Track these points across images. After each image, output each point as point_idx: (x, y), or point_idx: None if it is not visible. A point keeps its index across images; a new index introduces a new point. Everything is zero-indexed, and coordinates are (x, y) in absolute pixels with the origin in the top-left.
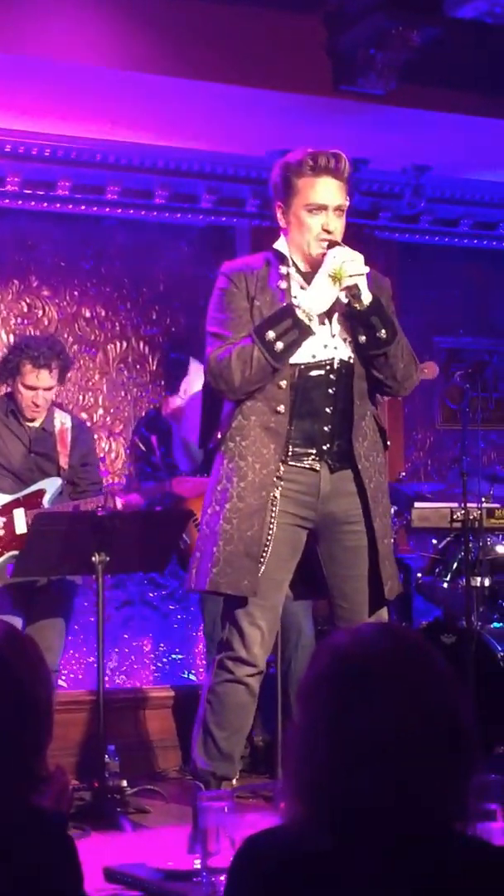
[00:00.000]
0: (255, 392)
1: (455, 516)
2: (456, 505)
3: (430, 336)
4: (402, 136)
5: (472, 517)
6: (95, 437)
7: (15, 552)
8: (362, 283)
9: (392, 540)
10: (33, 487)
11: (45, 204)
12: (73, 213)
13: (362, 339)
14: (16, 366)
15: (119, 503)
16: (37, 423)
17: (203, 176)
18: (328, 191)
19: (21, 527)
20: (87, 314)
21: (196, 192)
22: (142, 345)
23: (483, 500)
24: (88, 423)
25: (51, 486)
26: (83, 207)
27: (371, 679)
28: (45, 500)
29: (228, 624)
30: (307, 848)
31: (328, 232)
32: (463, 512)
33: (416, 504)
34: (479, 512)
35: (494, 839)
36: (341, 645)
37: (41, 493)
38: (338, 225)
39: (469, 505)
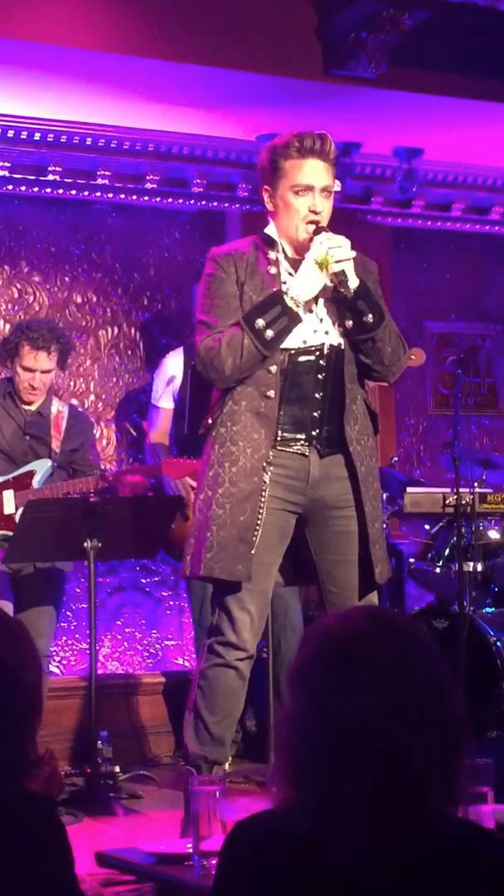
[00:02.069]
0: (244, 378)
1: (447, 501)
2: (448, 490)
3: (421, 321)
4: (394, 119)
5: (464, 502)
6: None
7: (3, 532)
8: (349, 269)
9: (384, 525)
10: (23, 469)
11: (36, 189)
12: (63, 198)
13: (349, 323)
14: (15, 347)
15: (123, 484)
16: (34, 407)
17: (193, 160)
18: (315, 172)
19: (9, 507)
20: (79, 300)
21: (186, 176)
22: (133, 330)
23: (475, 485)
24: (80, 410)
25: (41, 467)
26: (74, 192)
27: (359, 662)
28: (35, 482)
29: (218, 609)
30: (297, 831)
31: (315, 213)
32: (455, 497)
33: (409, 489)
34: (471, 497)
35: (485, 822)
36: (330, 628)
37: (31, 474)
38: (325, 206)
39: (461, 490)
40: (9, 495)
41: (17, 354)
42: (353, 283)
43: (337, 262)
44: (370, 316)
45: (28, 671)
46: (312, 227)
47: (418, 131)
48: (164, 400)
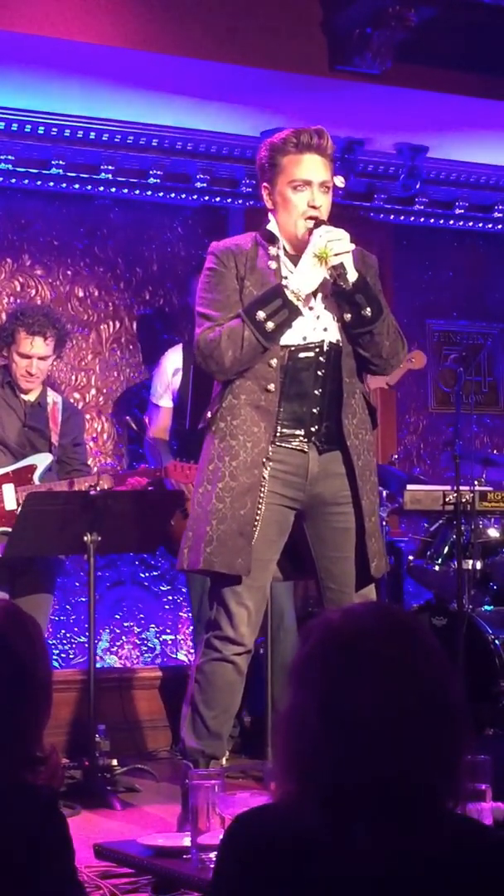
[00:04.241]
0: (244, 371)
1: (447, 499)
2: (448, 488)
3: (423, 318)
4: (398, 116)
5: (464, 500)
6: (87, 417)
7: (3, 528)
8: (348, 262)
9: (384, 521)
10: (24, 462)
11: (39, 182)
12: (66, 192)
13: (348, 317)
14: (10, 333)
15: (126, 485)
16: (31, 397)
17: (197, 156)
18: (312, 167)
19: (10, 503)
20: (81, 294)
21: (190, 171)
22: (135, 325)
23: (476, 483)
24: (81, 404)
25: (42, 461)
26: (77, 186)
27: (362, 656)
28: (36, 476)
29: (216, 603)
30: (297, 826)
31: (314, 207)
32: (455, 495)
33: (409, 486)
34: (471, 495)
35: (484, 819)
36: (333, 623)
37: (32, 468)
38: (324, 201)
39: (462, 488)
40: (9, 489)
41: (13, 341)
42: (352, 276)
43: (336, 254)
44: (368, 309)
45: (41, 668)
46: (311, 222)
47: (422, 129)
48: (164, 398)
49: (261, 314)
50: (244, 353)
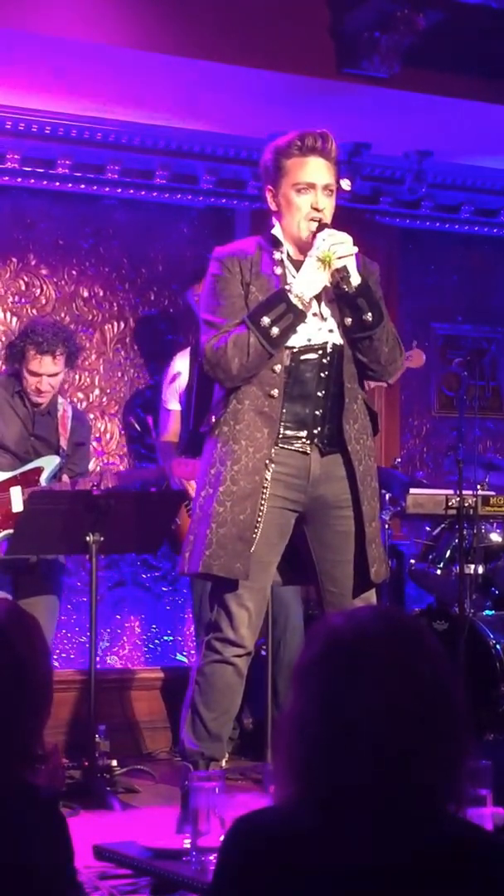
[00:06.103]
0: (251, 377)
1: (450, 503)
2: (451, 492)
3: (428, 322)
4: (405, 120)
5: (466, 504)
6: (91, 417)
7: (11, 531)
8: (351, 265)
9: (386, 525)
10: (31, 465)
11: (45, 182)
12: (72, 192)
13: (348, 321)
14: (21, 350)
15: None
16: (41, 406)
17: (203, 157)
18: (316, 170)
19: (18, 505)
20: (85, 294)
21: (196, 173)
22: (139, 326)
23: (478, 487)
24: (84, 404)
25: (49, 463)
26: (83, 186)
27: (364, 659)
28: (43, 479)
29: (216, 605)
30: (298, 828)
31: (317, 210)
32: (458, 499)
33: (411, 490)
34: (473, 499)
35: (484, 824)
36: (336, 626)
37: (39, 470)
38: (327, 204)
39: (464, 492)
40: (16, 492)
41: (23, 358)
42: (355, 279)
43: (339, 258)
44: (370, 314)
45: (41, 667)
46: (315, 224)
47: (429, 132)
48: (172, 402)
49: (265, 320)
50: (251, 359)
